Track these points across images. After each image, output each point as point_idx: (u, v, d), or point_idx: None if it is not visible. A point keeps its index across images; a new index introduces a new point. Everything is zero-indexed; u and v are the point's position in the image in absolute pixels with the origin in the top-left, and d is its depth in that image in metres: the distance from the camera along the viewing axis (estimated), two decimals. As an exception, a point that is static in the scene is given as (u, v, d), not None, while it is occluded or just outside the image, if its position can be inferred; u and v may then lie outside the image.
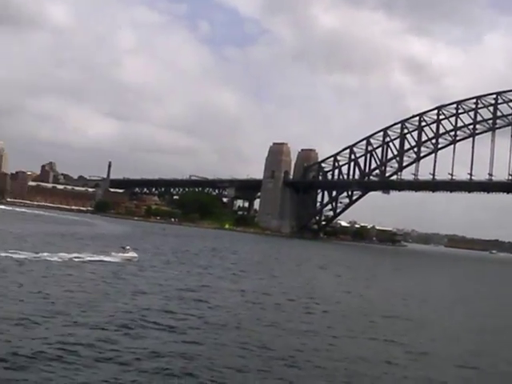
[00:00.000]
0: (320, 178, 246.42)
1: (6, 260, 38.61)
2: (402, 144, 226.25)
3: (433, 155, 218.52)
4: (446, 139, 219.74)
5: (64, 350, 17.42)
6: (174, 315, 25.51)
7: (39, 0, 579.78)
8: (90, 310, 24.58)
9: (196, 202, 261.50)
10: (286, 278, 53.58)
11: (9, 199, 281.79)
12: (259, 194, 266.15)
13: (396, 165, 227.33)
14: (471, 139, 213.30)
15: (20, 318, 21.22)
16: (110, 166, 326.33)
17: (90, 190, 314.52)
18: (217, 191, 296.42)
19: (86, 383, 14.97)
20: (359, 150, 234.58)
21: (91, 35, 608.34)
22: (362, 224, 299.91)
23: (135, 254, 51.84)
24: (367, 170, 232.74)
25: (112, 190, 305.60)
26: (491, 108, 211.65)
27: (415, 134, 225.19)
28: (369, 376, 18.98)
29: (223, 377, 16.82)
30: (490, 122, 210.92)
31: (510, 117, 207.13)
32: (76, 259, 44.20)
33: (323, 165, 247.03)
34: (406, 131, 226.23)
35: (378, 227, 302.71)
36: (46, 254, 44.78)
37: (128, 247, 52.65)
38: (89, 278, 34.51)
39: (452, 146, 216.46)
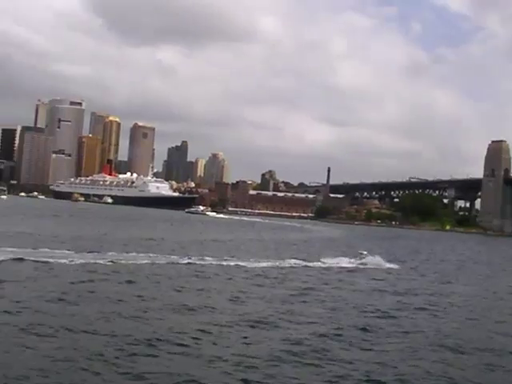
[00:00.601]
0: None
1: (213, 268, 38.56)
2: None
3: None
4: None
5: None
6: (365, 318, 24.49)
7: (251, 14, 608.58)
8: (291, 316, 23.89)
9: (416, 204, 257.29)
10: (502, 278, 51.12)
11: (230, 208, 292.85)
12: (479, 193, 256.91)
13: None
14: None
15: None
16: (329, 172, 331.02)
17: (310, 196, 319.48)
18: (437, 192, 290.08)
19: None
20: None
21: (303, 44, 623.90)
22: None
23: (378, 258, 49.45)
24: None
25: (332, 195, 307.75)
26: None
27: None
28: None
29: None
30: None
31: None
32: (296, 265, 43.92)
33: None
34: None
35: None
36: (252, 259, 44.85)
37: (365, 252, 50.92)
38: (299, 286, 33.39)
39: None
